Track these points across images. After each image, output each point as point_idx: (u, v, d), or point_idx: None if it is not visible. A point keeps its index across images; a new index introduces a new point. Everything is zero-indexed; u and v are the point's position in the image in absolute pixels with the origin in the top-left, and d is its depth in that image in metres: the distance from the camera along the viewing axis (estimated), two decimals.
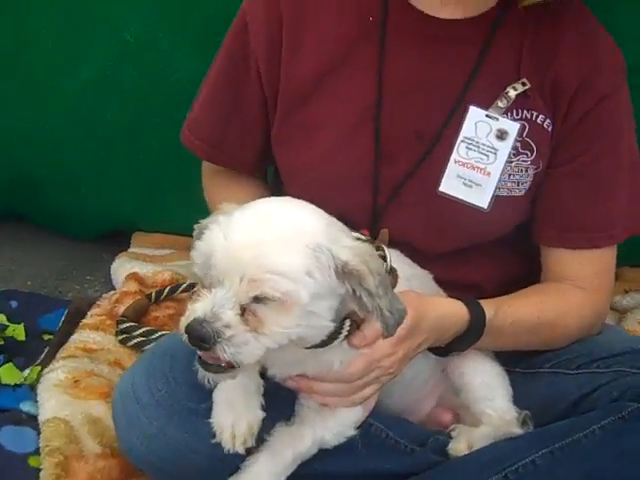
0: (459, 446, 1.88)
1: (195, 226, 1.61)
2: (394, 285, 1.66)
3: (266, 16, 1.99)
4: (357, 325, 1.62)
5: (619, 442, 1.80)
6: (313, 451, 1.77)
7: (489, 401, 1.95)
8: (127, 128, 2.88)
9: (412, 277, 1.88)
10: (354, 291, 1.54)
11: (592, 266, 2.03)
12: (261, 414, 1.72)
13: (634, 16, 2.48)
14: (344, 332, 1.61)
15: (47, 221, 3.24)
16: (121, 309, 2.66)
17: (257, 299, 1.49)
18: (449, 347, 1.90)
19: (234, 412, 1.71)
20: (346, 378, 1.72)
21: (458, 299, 1.90)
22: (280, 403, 1.78)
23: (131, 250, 3.11)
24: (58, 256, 3.18)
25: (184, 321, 1.49)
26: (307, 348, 1.60)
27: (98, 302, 2.74)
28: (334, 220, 1.61)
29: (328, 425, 1.76)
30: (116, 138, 2.90)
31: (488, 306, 1.90)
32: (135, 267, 2.94)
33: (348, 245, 1.56)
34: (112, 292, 2.83)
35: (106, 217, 3.17)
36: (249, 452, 1.72)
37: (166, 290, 2.78)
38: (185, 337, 1.50)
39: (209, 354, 1.50)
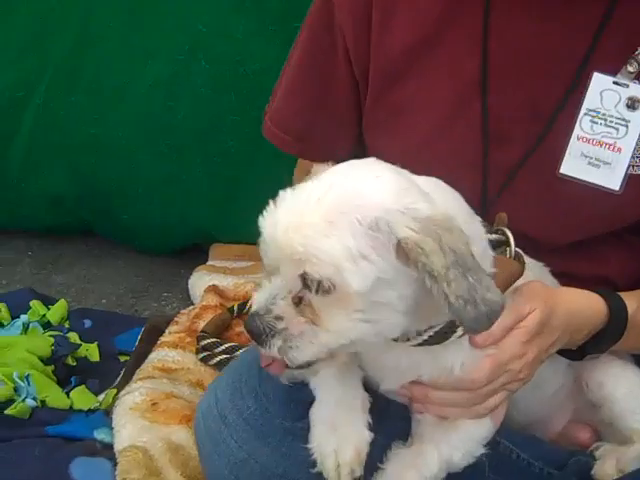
0: (607, 469, 1.67)
1: None
2: (520, 275, 1.47)
3: None
4: None
5: None
6: (441, 476, 1.57)
7: (638, 414, 1.75)
8: (201, 129, 2.84)
9: (529, 268, 1.68)
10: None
11: None
12: (369, 436, 1.54)
13: None
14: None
15: (119, 235, 3.21)
16: (201, 325, 2.58)
17: (314, 286, 1.34)
18: (585, 349, 1.71)
19: (337, 435, 1.53)
20: (469, 384, 1.52)
21: (595, 290, 1.71)
22: (391, 422, 1.60)
23: (210, 263, 3.05)
24: (133, 272, 3.16)
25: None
26: (418, 345, 1.42)
27: (176, 318, 2.67)
28: (423, 182, 1.42)
29: (453, 442, 1.56)
30: (189, 141, 2.87)
31: (629, 299, 1.72)
32: (214, 280, 2.87)
33: (419, 216, 1.35)
34: (191, 307, 2.76)
35: (182, 229, 3.12)
36: None
37: (249, 303, 2.61)
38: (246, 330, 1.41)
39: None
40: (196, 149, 2.88)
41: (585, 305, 1.69)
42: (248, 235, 3.02)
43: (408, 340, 1.44)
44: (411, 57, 1.85)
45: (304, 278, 1.34)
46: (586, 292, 1.73)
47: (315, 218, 1.35)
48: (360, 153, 1.98)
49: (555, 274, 1.85)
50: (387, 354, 1.48)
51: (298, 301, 1.36)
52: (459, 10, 1.83)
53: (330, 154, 1.93)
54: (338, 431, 1.54)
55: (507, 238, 1.54)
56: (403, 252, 1.34)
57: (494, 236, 1.51)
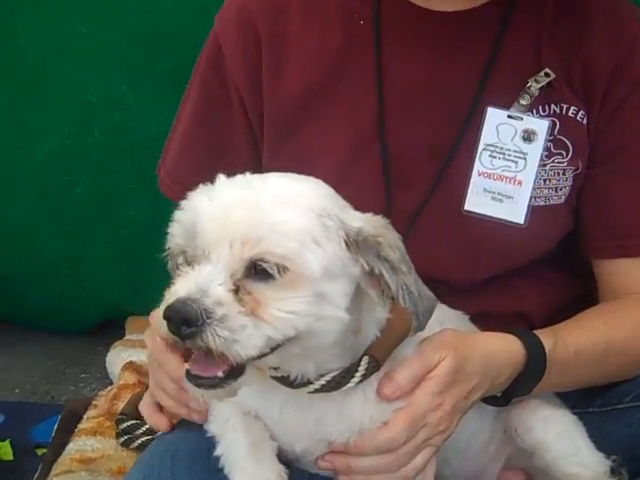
0: None
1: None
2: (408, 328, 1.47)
3: (242, 34, 1.88)
4: (377, 364, 1.42)
5: None
6: None
7: (572, 457, 1.74)
8: (101, 201, 2.81)
9: (445, 320, 1.69)
10: (371, 271, 1.35)
11: None
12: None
13: None
14: (361, 370, 1.41)
15: (28, 320, 3.15)
16: (120, 406, 2.43)
17: (254, 273, 1.28)
18: (508, 394, 1.69)
19: None
20: (388, 445, 1.49)
21: (508, 332, 1.70)
22: None
23: (127, 337, 2.98)
24: (47, 356, 3.10)
25: (163, 306, 1.28)
26: (316, 390, 1.39)
27: (94, 402, 2.56)
28: (339, 196, 1.44)
29: None
30: (90, 215, 2.83)
31: (545, 336, 1.72)
32: (132, 355, 2.78)
33: (358, 215, 1.40)
34: (109, 388, 2.66)
35: (94, 306, 3.07)
36: None
37: None
38: (164, 326, 1.27)
39: (199, 359, 1.29)
40: (98, 222, 2.84)
41: (501, 347, 1.67)
42: None
43: (307, 385, 1.40)
44: (305, 105, 1.86)
45: (253, 261, 1.27)
46: (501, 334, 1.71)
47: (268, 195, 1.31)
48: None
49: (470, 314, 1.85)
50: (292, 412, 1.45)
51: (236, 289, 1.28)
52: (350, 54, 1.88)
53: None
54: None
55: None
56: (355, 244, 1.34)
57: None
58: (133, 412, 2.33)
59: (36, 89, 2.73)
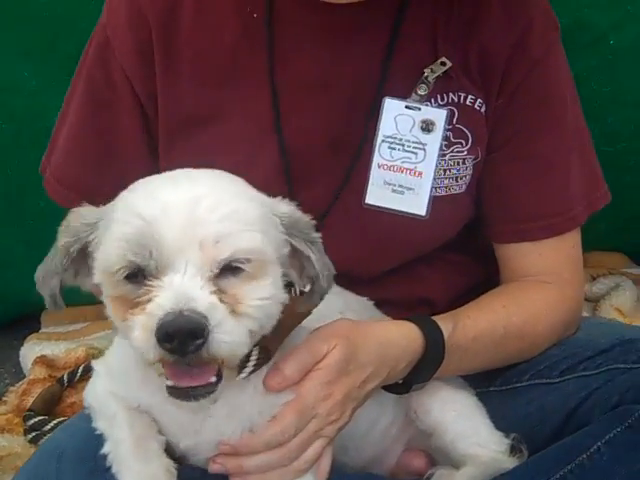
0: None
1: (68, 229, 1.38)
2: (303, 315, 1.50)
3: (130, 25, 1.82)
4: (268, 354, 1.41)
5: (632, 457, 1.65)
6: None
7: (470, 437, 1.78)
8: (8, 192, 2.72)
9: (345, 308, 1.71)
10: (294, 252, 1.39)
11: (557, 256, 1.93)
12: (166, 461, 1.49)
13: None
14: (252, 360, 1.40)
15: None
16: (30, 402, 2.49)
17: (225, 270, 1.27)
18: (408, 380, 1.71)
19: None
20: (278, 439, 1.48)
21: (409, 318, 1.72)
22: None
23: (42, 331, 2.95)
24: None
25: (148, 321, 1.21)
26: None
27: (4, 398, 2.57)
28: None
29: None
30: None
31: (444, 322, 1.75)
32: (45, 349, 2.77)
33: (277, 200, 1.44)
34: (19, 383, 2.65)
35: (7, 300, 2.98)
36: None
37: (80, 369, 2.61)
38: (154, 351, 1.22)
39: (179, 371, 1.25)
40: (6, 214, 2.76)
41: (398, 335, 1.68)
42: (80, 296, 2.94)
43: None
44: (200, 103, 1.82)
45: (228, 260, 1.26)
46: (398, 322, 1.72)
47: (217, 191, 1.30)
48: None
49: (380, 302, 1.87)
50: (180, 411, 1.43)
51: (216, 291, 1.26)
52: (244, 48, 1.85)
53: None
54: None
55: None
56: (287, 226, 1.37)
57: None
58: (42, 407, 2.49)
59: None
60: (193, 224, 1.24)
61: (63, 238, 1.39)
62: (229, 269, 1.27)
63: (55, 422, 2.31)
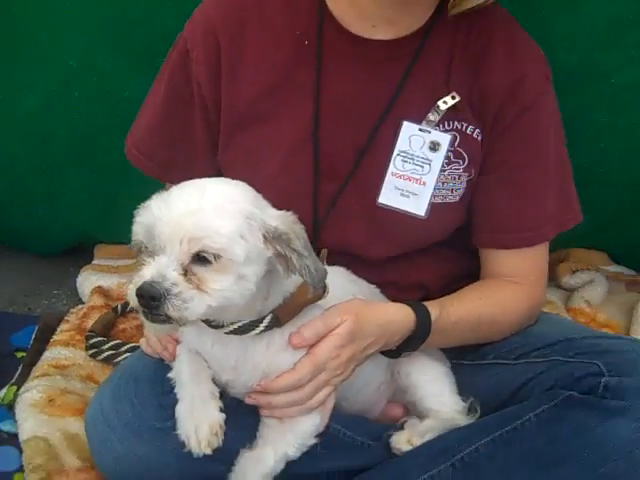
0: (401, 440, 2.00)
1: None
2: (320, 297, 1.85)
3: (205, 43, 2.07)
4: (278, 321, 1.78)
5: (551, 428, 1.92)
6: (280, 467, 1.89)
7: (436, 396, 2.07)
8: (78, 150, 2.93)
9: (358, 293, 2.01)
10: (281, 254, 1.70)
11: (527, 263, 2.14)
12: (220, 416, 1.83)
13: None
14: (265, 323, 1.77)
15: (9, 240, 3.30)
16: (89, 323, 2.73)
17: (197, 260, 1.64)
18: (400, 349, 1.99)
19: (194, 419, 1.82)
20: (297, 383, 1.83)
21: (406, 302, 1.99)
22: (241, 418, 1.90)
23: (95, 262, 3.17)
24: (24, 273, 3.22)
25: (133, 287, 1.63)
26: (230, 332, 1.78)
27: (67, 317, 2.81)
28: (260, 196, 1.78)
29: (288, 441, 1.87)
30: (68, 160, 2.96)
31: (433, 307, 2.00)
32: (100, 280, 3.00)
33: (275, 214, 1.73)
34: (80, 306, 2.90)
35: (67, 233, 3.22)
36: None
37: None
38: (135, 300, 1.63)
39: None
40: (75, 166, 2.97)
41: (396, 315, 1.96)
42: (127, 237, 3.12)
43: (222, 327, 1.78)
44: (256, 106, 2.07)
45: (196, 253, 1.62)
46: (398, 305, 1.98)
47: (207, 204, 1.65)
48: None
49: (383, 283, 2.12)
50: (219, 349, 1.83)
51: (184, 272, 1.63)
52: (295, 67, 2.07)
53: (182, 181, 2.13)
54: (195, 417, 1.82)
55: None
56: (271, 237, 1.69)
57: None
58: (100, 330, 2.68)
59: (26, 51, 2.74)
60: (180, 227, 1.62)
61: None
62: (201, 260, 1.63)
63: (112, 343, 2.58)
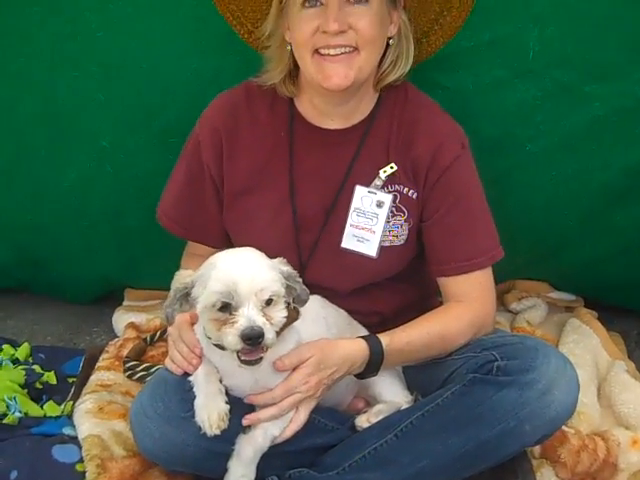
0: (361, 419, 2.46)
1: (178, 284, 2.19)
2: (295, 318, 2.31)
3: (211, 136, 2.54)
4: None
5: (462, 400, 2.32)
6: (267, 444, 2.32)
7: (389, 390, 2.51)
8: (110, 213, 3.25)
9: (327, 315, 2.47)
10: (289, 287, 2.17)
11: (466, 285, 2.49)
12: (226, 406, 2.25)
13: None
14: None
15: (51, 291, 3.63)
16: (125, 352, 3.08)
17: (266, 303, 2.08)
18: (363, 372, 2.40)
19: (208, 409, 2.24)
20: (271, 401, 2.29)
21: (362, 337, 2.39)
22: (242, 410, 2.34)
23: (125, 303, 3.53)
24: (68, 315, 3.57)
25: (235, 333, 2.06)
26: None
27: (106, 349, 3.16)
28: None
29: (275, 424, 2.32)
30: (102, 221, 3.27)
31: (384, 337, 2.38)
32: (131, 317, 3.36)
33: (278, 261, 2.20)
34: (116, 339, 3.24)
35: (100, 282, 3.57)
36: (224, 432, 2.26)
37: (158, 333, 3.19)
38: (239, 343, 2.06)
39: (247, 351, 2.10)
40: (107, 226, 3.28)
41: (353, 349, 2.35)
42: (152, 283, 3.51)
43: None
44: (248, 180, 2.53)
45: (265, 300, 2.07)
46: (356, 340, 2.37)
47: (258, 266, 2.12)
48: (226, 237, 2.69)
49: (350, 310, 2.53)
50: (227, 364, 2.24)
51: (263, 314, 2.05)
52: (275, 151, 2.54)
53: (203, 237, 2.69)
54: (207, 407, 2.23)
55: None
56: (285, 277, 2.15)
57: None
58: (134, 356, 3.03)
59: (67, 134, 3.03)
60: (251, 284, 2.07)
61: (173, 289, 2.20)
62: (268, 302, 2.09)
63: (144, 366, 2.93)
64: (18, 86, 3.02)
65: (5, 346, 3.19)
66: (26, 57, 2.96)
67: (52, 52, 2.95)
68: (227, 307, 2.10)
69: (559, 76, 2.86)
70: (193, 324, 2.38)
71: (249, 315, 2.06)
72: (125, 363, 3.01)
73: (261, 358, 2.13)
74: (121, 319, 3.43)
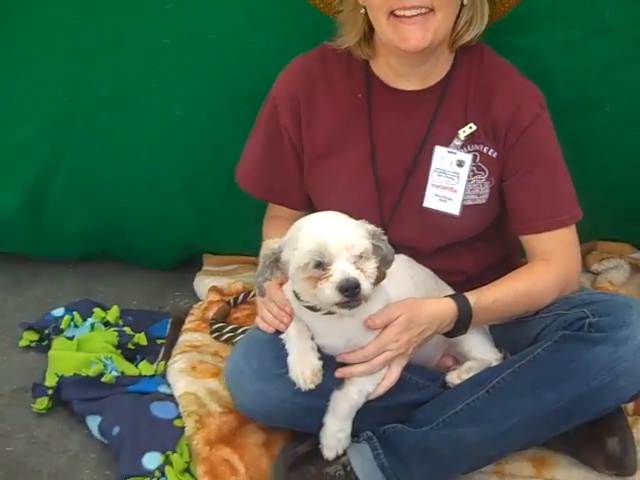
0: (452, 375, 2.50)
1: (266, 250, 2.24)
2: (382, 278, 2.32)
3: (289, 100, 2.59)
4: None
5: (554, 357, 2.33)
6: (362, 401, 2.35)
7: (479, 348, 2.54)
8: (186, 183, 3.32)
9: (415, 274, 2.51)
10: (375, 245, 2.19)
11: (551, 243, 2.50)
12: (319, 362, 2.30)
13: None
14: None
15: (133, 257, 3.74)
16: (210, 314, 3.15)
17: (357, 258, 2.11)
18: (452, 331, 2.43)
19: (300, 365, 2.29)
20: (363, 359, 2.34)
21: (449, 295, 2.41)
22: (334, 365, 2.39)
23: (205, 268, 3.61)
24: (150, 280, 3.67)
25: (332, 286, 2.09)
26: (326, 313, 2.25)
27: (191, 311, 3.23)
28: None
29: (369, 380, 2.35)
30: (179, 191, 3.35)
31: (470, 295, 2.40)
32: (213, 281, 3.42)
33: (377, 229, 2.24)
34: (200, 302, 3.32)
35: (181, 248, 3.65)
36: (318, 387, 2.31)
37: (240, 296, 3.28)
38: (336, 295, 2.09)
39: (347, 303, 2.12)
40: (184, 196, 3.34)
41: (441, 308, 2.38)
42: (229, 248, 3.57)
43: (318, 310, 2.23)
44: (327, 144, 2.57)
45: (357, 255, 2.10)
46: (443, 299, 2.40)
47: (347, 225, 2.16)
48: (307, 199, 2.74)
49: (435, 269, 2.55)
50: (319, 324, 2.30)
51: (356, 267, 2.08)
52: (354, 114, 2.57)
53: (285, 199, 2.76)
54: (301, 364, 2.28)
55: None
56: (372, 236, 2.19)
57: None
58: (220, 318, 3.11)
59: (136, 100, 3.08)
60: (343, 241, 2.10)
61: (262, 257, 2.23)
62: (359, 257, 2.11)
63: (230, 327, 2.99)
64: (90, 60, 3.09)
65: (96, 309, 3.29)
66: (96, 32, 3.03)
67: (120, 26, 3.01)
68: (320, 265, 2.13)
69: (639, 34, 2.83)
70: (281, 284, 2.44)
71: (343, 267, 2.09)
72: (212, 325, 3.08)
73: (360, 302, 2.15)
74: (202, 283, 3.50)
